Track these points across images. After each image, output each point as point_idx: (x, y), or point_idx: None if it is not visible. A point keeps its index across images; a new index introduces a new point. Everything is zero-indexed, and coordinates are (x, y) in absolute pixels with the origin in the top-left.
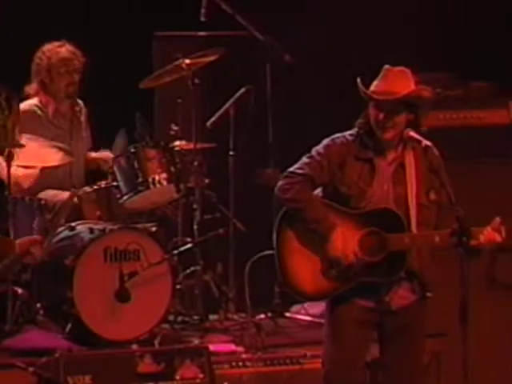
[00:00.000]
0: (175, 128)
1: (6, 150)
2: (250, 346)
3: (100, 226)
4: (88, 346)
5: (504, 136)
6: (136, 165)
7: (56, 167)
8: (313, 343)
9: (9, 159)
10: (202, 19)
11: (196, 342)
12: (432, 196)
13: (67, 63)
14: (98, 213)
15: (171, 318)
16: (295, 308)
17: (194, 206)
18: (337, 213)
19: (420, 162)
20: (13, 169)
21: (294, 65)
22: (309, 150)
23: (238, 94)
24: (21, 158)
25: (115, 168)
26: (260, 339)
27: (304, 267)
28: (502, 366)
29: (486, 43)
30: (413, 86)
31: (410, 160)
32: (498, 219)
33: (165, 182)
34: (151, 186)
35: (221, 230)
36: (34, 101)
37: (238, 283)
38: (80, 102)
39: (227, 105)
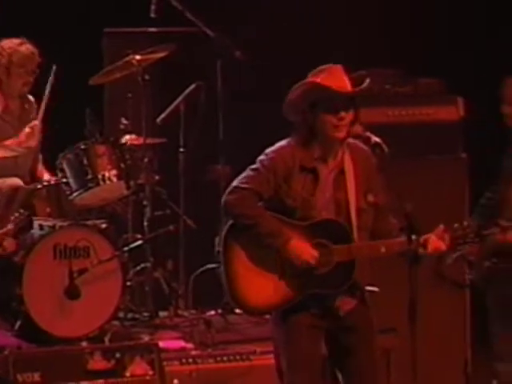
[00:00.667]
0: (125, 121)
1: None
2: (200, 342)
3: (50, 223)
4: (37, 344)
5: (452, 132)
6: (86, 161)
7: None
8: (263, 339)
9: None
10: (152, 15)
11: (146, 338)
12: (370, 198)
13: (27, 63)
14: (47, 209)
15: (121, 314)
16: None
17: (144, 202)
18: (285, 226)
19: (358, 166)
20: None
21: (245, 61)
22: (259, 147)
23: (188, 91)
24: None
25: (64, 165)
26: (210, 336)
27: (253, 283)
28: (451, 361)
29: (434, 40)
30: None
31: (349, 165)
32: (441, 227)
33: (115, 179)
34: (101, 182)
35: (171, 227)
36: None
37: (189, 280)
38: (31, 98)
39: (177, 101)
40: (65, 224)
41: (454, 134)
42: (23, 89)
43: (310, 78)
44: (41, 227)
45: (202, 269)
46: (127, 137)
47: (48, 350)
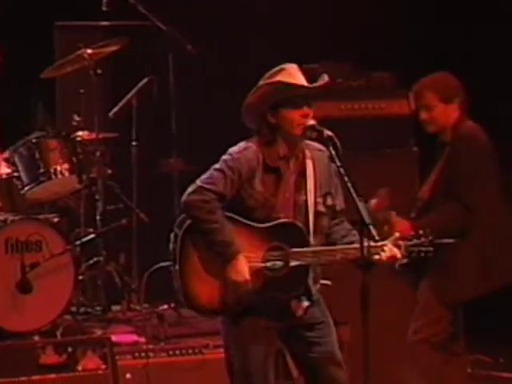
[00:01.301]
0: (77, 118)
1: None
2: (153, 336)
3: (1, 217)
4: None
5: (404, 126)
6: (37, 155)
7: None
8: (215, 333)
9: None
10: (104, 9)
11: (98, 332)
12: (329, 202)
13: None
14: None
15: (74, 309)
16: None
17: (97, 196)
18: (243, 228)
19: (318, 169)
20: None
21: (197, 55)
22: (212, 140)
23: (140, 84)
24: None
25: (16, 159)
26: (163, 330)
27: (206, 283)
28: (403, 354)
29: (386, 34)
30: None
31: (309, 167)
32: (397, 234)
33: (67, 173)
34: (53, 176)
35: (124, 221)
36: None
37: (141, 274)
38: None
39: (130, 95)
40: (16, 218)
41: (406, 128)
42: None
43: (267, 80)
44: None
45: (155, 267)
46: (80, 133)
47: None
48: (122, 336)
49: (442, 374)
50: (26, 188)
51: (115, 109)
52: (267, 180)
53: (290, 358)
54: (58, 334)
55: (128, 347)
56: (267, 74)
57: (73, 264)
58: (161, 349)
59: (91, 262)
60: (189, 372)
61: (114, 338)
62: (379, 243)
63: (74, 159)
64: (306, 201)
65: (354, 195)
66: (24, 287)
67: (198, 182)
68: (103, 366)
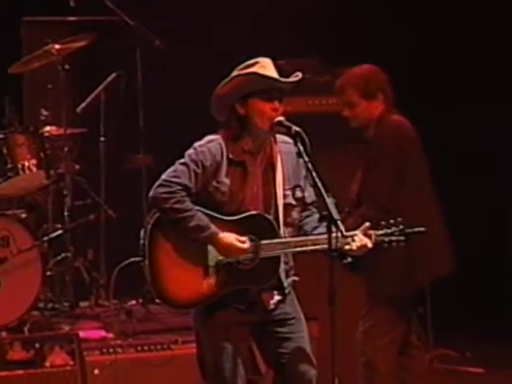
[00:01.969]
0: (45, 113)
1: None
2: (121, 332)
3: None
4: None
5: None
6: (5, 151)
7: None
8: (184, 329)
9: None
10: (72, 4)
11: (66, 328)
12: (298, 194)
13: None
14: None
15: (41, 304)
16: None
17: (65, 192)
18: (212, 221)
19: (287, 161)
20: None
21: (164, 50)
22: (180, 136)
23: (108, 80)
24: None
25: None
26: (131, 325)
27: (177, 277)
28: None
29: (353, 29)
30: None
31: (277, 159)
32: (367, 224)
33: (34, 168)
34: (20, 172)
35: (91, 216)
36: None
37: (109, 270)
38: None
39: (97, 90)
40: None
41: None
42: None
43: (242, 71)
44: None
45: (125, 262)
46: (47, 128)
47: None
48: (89, 332)
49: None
50: None
51: (83, 104)
52: (233, 173)
53: (260, 354)
54: (26, 329)
55: (96, 343)
56: (241, 66)
57: (40, 260)
58: (129, 344)
59: (59, 257)
60: (157, 368)
61: (81, 333)
62: (349, 233)
63: (42, 155)
64: (275, 194)
65: (323, 191)
66: None
67: (163, 176)
68: (71, 362)
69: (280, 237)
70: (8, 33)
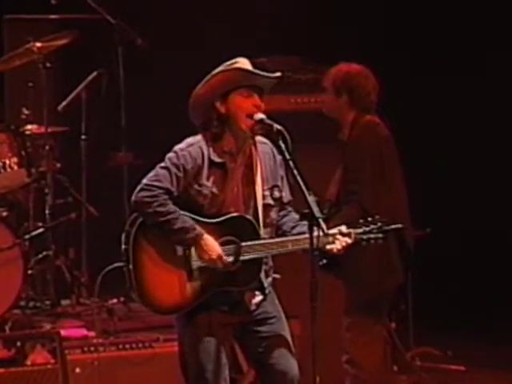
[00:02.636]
0: (26, 112)
1: None
2: (103, 330)
3: None
4: None
5: None
6: None
7: None
8: (165, 327)
9: None
10: (53, 2)
11: (48, 327)
12: (276, 194)
13: None
14: None
15: (23, 303)
16: None
17: (46, 190)
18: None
19: (265, 161)
20: None
21: (146, 49)
22: (160, 135)
23: (89, 78)
24: None
25: None
26: (112, 324)
27: (161, 281)
28: None
29: (334, 27)
30: None
31: (257, 160)
32: (344, 226)
33: (15, 167)
34: (1, 170)
35: (73, 215)
36: None
37: (91, 268)
38: None
39: (79, 88)
40: None
41: None
42: None
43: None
44: None
45: (109, 267)
46: (29, 126)
47: None
48: (71, 330)
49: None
50: None
51: (64, 102)
52: (214, 175)
53: (242, 353)
54: (7, 328)
55: (77, 341)
56: (220, 67)
57: (22, 258)
58: (110, 343)
59: (40, 256)
60: (139, 366)
61: (63, 332)
62: (330, 231)
63: (23, 153)
64: (255, 194)
65: (304, 189)
66: None
67: (145, 181)
68: (52, 361)
69: (261, 238)
70: None
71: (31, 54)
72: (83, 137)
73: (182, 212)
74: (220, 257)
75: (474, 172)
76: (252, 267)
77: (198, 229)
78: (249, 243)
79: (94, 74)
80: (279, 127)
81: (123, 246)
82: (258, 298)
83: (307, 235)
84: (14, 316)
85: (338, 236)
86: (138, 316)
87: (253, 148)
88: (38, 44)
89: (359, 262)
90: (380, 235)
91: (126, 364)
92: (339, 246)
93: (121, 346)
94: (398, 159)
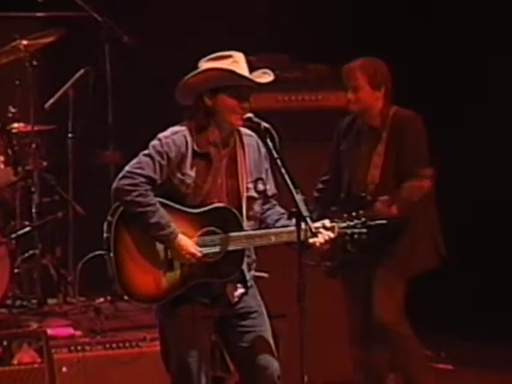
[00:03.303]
0: (13, 110)
1: None
2: (89, 329)
3: None
4: None
5: (341, 118)
6: None
7: None
8: (152, 326)
9: None
10: (39, 0)
11: (34, 326)
12: (260, 187)
13: None
14: None
15: (9, 302)
16: None
17: (33, 189)
18: (174, 213)
19: (249, 153)
20: None
21: (133, 46)
22: (149, 132)
23: (76, 76)
24: None
25: None
26: (99, 323)
27: (142, 270)
28: (340, 348)
29: (323, 25)
30: None
31: (240, 152)
32: (327, 220)
33: (2, 165)
34: None
35: (59, 214)
36: None
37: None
38: None
39: (66, 86)
40: None
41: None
42: None
43: (212, 64)
44: None
45: (89, 256)
46: (15, 124)
47: None
48: (58, 329)
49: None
50: None
51: (51, 100)
52: (198, 165)
53: (223, 347)
54: None
55: (64, 340)
56: (212, 57)
57: (8, 257)
58: (97, 342)
59: (27, 254)
60: (126, 365)
61: (49, 331)
62: (313, 225)
63: (10, 151)
64: (238, 186)
65: (291, 187)
66: None
67: (127, 168)
68: (39, 360)
69: (243, 230)
70: None
71: (17, 51)
72: (70, 135)
73: (163, 201)
74: (193, 256)
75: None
76: (234, 259)
77: (173, 227)
78: (231, 234)
79: (81, 71)
80: (267, 125)
81: (105, 235)
82: (240, 290)
83: (290, 228)
84: (1, 315)
85: (321, 230)
86: (124, 315)
87: (237, 140)
88: (25, 42)
89: (411, 238)
90: (364, 230)
91: (113, 363)
92: (322, 240)
93: (107, 345)
94: None
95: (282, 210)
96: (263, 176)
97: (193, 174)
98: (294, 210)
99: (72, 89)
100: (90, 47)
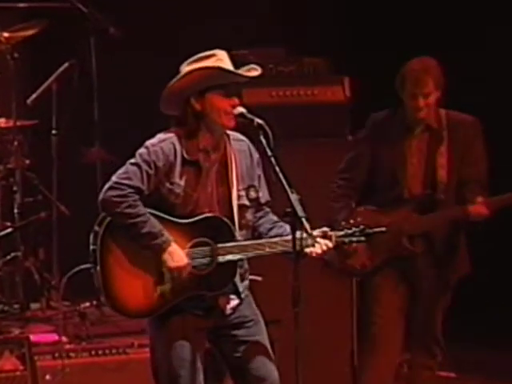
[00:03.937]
0: None
1: None
2: (74, 335)
3: None
4: None
5: (338, 114)
6: None
7: None
8: (140, 332)
9: None
10: None
11: (16, 332)
12: (252, 195)
13: None
14: None
15: None
16: None
17: (15, 188)
18: (164, 224)
19: (241, 160)
20: None
21: (119, 38)
22: (134, 129)
23: (60, 70)
24: None
25: None
26: (84, 329)
27: (130, 284)
28: (336, 353)
29: (319, 18)
30: None
31: (232, 158)
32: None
33: None
34: None
35: (43, 214)
36: None
37: (62, 270)
38: None
39: (49, 80)
40: None
41: (340, 116)
42: None
43: (196, 65)
44: None
45: (74, 270)
46: None
47: None
48: (41, 335)
49: None
50: None
51: (34, 95)
52: (187, 174)
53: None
54: None
55: (48, 347)
56: (194, 58)
57: None
58: (82, 349)
59: (8, 257)
60: (112, 372)
61: (32, 337)
62: (312, 232)
63: None
64: (230, 194)
65: (286, 187)
66: None
67: (114, 178)
68: (21, 367)
69: (236, 240)
70: None
71: None
72: (54, 132)
73: (152, 211)
74: (185, 267)
75: None
76: (226, 270)
77: (166, 235)
78: (223, 245)
79: (65, 65)
80: (260, 121)
81: (91, 247)
82: (234, 302)
83: (285, 237)
84: None
85: (319, 239)
86: (111, 320)
87: (228, 145)
88: (6, 34)
89: (457, 244)
90: (362, 238)
91: (99, 370)
92: (319, 250)
93: (93, 352)
94: None
95: (276, 218)
96: (255, 183)
97: (182, 183)
98: (288, 210)
99: (56, 83)
100: (74, 39)
